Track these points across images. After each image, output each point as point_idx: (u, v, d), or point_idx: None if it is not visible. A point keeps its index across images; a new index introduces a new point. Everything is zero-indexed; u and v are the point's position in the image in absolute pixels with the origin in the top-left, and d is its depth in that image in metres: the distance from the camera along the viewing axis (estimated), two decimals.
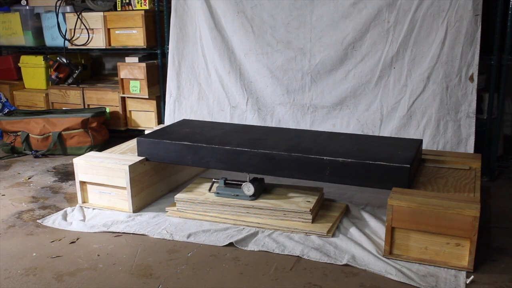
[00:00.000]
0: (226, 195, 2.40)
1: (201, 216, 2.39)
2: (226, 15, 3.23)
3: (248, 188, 2.35)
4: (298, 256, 2.04)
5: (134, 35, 3.60)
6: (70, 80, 4.01)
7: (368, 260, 1.98)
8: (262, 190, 2.44)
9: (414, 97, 2.93)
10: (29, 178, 3.07)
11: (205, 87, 3.40)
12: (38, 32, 4.08)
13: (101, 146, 3.57)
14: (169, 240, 2.20)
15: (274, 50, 3.17)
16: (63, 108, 3.89)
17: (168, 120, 3.50)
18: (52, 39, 3.99)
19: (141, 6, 3.60)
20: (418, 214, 1.91)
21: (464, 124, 2.86)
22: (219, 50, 3.28)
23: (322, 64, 3.08)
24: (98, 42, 3.73)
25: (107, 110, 3.77)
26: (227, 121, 3.30)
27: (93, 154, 2.67)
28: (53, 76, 4.01)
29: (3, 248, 2.14)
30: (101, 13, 3.65)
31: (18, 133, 3.58)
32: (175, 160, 2.48)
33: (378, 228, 2.24)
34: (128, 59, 3.68)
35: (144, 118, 3.81)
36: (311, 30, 3.07)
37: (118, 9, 3.67)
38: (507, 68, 2.83)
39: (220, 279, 1.89)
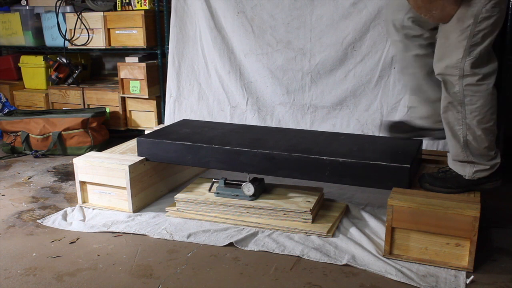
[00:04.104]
0: (226, 195, 2.40)
1: (201, 216, 2.39)
2: (226, 15, 3.23)
3: (248, 188, 2.35)
4: (298, 256, 2.04)
5: (134, 35, 3.60)
6: (70, 80, 4.01)
7: (368, 260, 1.98)
8: (262, 190, 2.44)
9: None
10: (29, 178, 3.07)
11: (205, 87, 3.40)
12: (38, 32, 4.08)
13: (101, 146, 3.57)
14: (169, 240, 2.20)
15: (274, 50, 3.17)
16: (63, 108, 3.89)
17: (168, 120, 3.50)
18: (52, 39, 3.99)
19: (141, 6, 3.60)
20: (418, 214, 1.91)
21: None
22: (219, 50, 3.28)
23: (322, 64, 3.08)
24: (98, 42, 3.73)
25: (107, 110, 3.77)
26: (227, 121, 3.30)
27: (93, 154, 2.67)
28: (53, 76, 4.01)
29: (3, 248, 2.15)
30: (101, 13, 3.65)
31: (18, 133, 3.59)
32: (175, 160, 2.48)
33: (378, 228, 2.24)
34: (128, 59, 3.68)
35: (144, 118, 3.81)
36: (311, 30, 3.07)
37: (118, 9, 3.67)
38: (507, 68, 2.83)
39: (220, 279, 1.89)
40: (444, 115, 2.02)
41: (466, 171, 2.04)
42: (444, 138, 2.19)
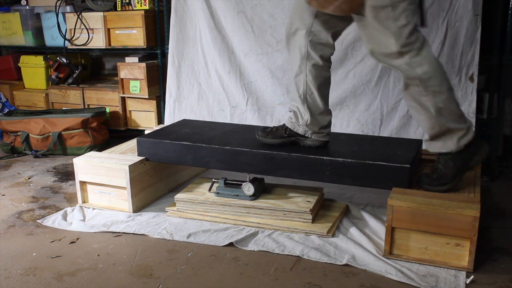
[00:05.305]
0: (226, 195, 2.40)
1: (201, 216, 2.39)
2: (226, 15, 3.23)
3: (248, 188, 2.35)
4: (298, 256, 2.04)
5: (134, 35, 3.60)
6: (70, 80, 4.01)
7: (368, 260, 1.98)
8: (262, 190, 2.44)
9: None
10: (29, 178, 3.07)
11: (205, 87, 3.40)
12: (38, 32, 4.07)
13: (101, 146, 3.57)
14: (169, 240, 2.20)
15: (274, 50, 3.17)
16: (63, 108, 3.89)
17: (168, 120, 3.50)
18: (52, 39, 3.99)
19: (141, 6, 3.60)
20: (418, 214, 1.91)
21: None
22: (219, 50, 3.28)
23: None
24: (98, 42, 3.73)
25: (107, 110, 3.77)
26: (227, 121, 3.30)
27: (93, 154, 2.67)
28: (53, 76, 4.00)
29: (3, 248, 2.15)
30: (101, 13, 3.65)
31: (18, 133, 3.59)
32: (175, 160, 2.48)
33: (378, 228, 2.24)
34: (128, 59, 3.68)
35: (144, 118, 3.81)
36: None
37: (118, 9, 3.66)
38: (507, 68, 2.83)
39: (220, 279, 1.89)
40: (406, 91, 2.04)
41: (449, 145, 2.04)
42: (312, 145, 2.27)
